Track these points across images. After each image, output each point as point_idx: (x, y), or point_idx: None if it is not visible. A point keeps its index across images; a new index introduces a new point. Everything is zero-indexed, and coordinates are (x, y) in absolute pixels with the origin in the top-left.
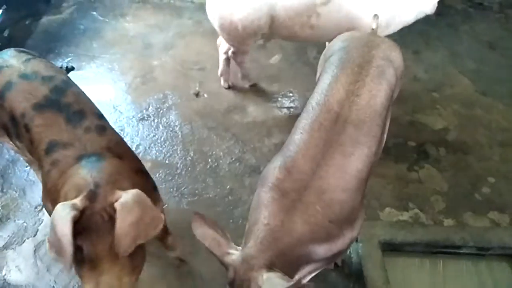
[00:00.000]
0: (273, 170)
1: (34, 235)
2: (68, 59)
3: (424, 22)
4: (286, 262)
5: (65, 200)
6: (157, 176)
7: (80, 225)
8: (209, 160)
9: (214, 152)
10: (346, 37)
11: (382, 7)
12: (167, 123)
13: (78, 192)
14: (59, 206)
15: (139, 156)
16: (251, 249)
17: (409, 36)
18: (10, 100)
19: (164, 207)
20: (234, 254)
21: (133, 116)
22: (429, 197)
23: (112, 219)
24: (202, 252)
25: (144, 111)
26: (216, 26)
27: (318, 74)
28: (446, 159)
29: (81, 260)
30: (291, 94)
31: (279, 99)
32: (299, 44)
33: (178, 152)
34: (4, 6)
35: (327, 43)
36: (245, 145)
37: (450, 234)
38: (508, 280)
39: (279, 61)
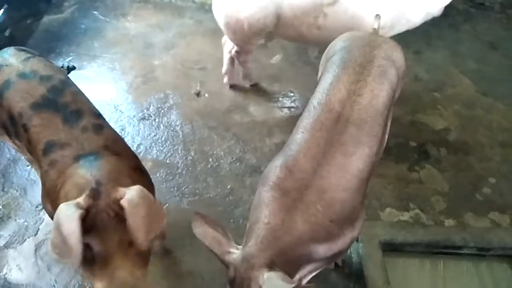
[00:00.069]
0: (275, 169)
1: (35, 234)
2: (69, 58)
3: (425, 22)
4: (286, 261)
5: (66, 200)
6: (158, 176)
7: (86, 224)
8: (210, 159)
9: (215, 152)
10: (347, 37)
11: (388, 8)
12: (168, 122)
13: (79, 191)
14: (63, 206)
15: (140, 156)
16: (252, 248)
17: (410, 36)
18: (8, 99)
19: (164, 206)
20: (235, 253)
21: (134, 116)
22: (430, 198)
23: (117, 215)
24: (203, 251)
25: (145, 110)
26: (221, 24)
27: (319, 74)
28: (447, 159)
29: (90, 259)
30: (292, 94)
31: (280, 99)
32: (300, 44)
33: (179, 151)
34: (5, 6)
35: None
36: (246, 145)
37: (450, 234)
38: (509, 281)
39: (280, 60)
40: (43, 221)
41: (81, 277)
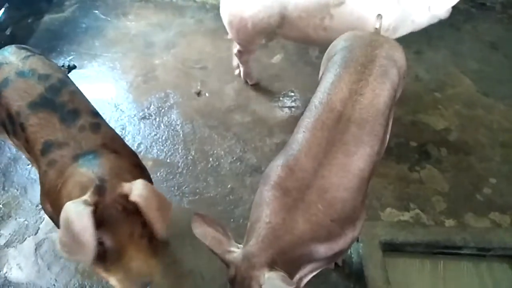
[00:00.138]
0: (276, 168)
1: (35, 233)
2: (70, 57)
3: None
4: (287, 261)
5: (69, 199)
6: (158, 175)
7: (95, 220)
8: (210, 159)
9: (215, 151)
10: (349, 36)
11: (393, 10)
12: (168, 122)
13: (82, 190)
14: (70, 204)
15: (141, 155)
16: (253, 247)
17: (411, 36)
18: (6, 98)
19: None
20: (235, 252)
21: (135, 115)
22: (430, 198)
23: (125, 209)
24: (203, 251)
25: (146, 110)
26: (225, 22)
27: (321, 73)
28: (448, 159)
29: (102, 254)
30: (292, 94)
31: (281, 98)
32: (300, 44)
33: (179, 151)
34: (6, 5)
35: None
36: (246, 145)
37: (451, 234)
38: (509, 281)
39: (281, 60)
40: (43, 220)
41: (81, 276)
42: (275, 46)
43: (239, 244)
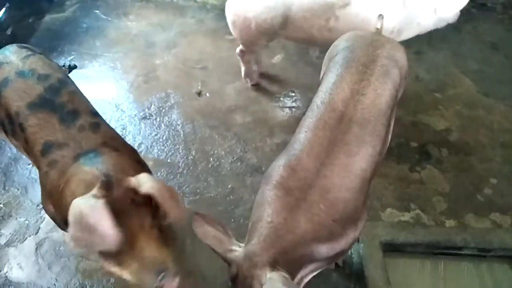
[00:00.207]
0: (278, 168)
1: (36, 233)
2: (71, 57)
3: None
4: (289, 260)
5: (74, 198)
6: (159, 175)
7: None
8: (211, 159)
9: (215, 151)
10: (350, 36)
11: (398, 12)
12: (169, 122)
13: (88, 187)
14: (79, 200)
15: (141, 155)
16: (255, 246)
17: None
18: (6, 98)
19: None
20: (237, 251)
21: (135, 115)
22: (431, 198)
23: (134, 202)
24: (203, 251)
25: (146, 110)
26: (229, 22)
27: (322, 73)
28: (448, 160)
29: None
30: (293, 94)
31: (281, 98)
32: (301, 44)
33: (180, 151)
34: (7, 4)
35: None
36: (247, 145)
37: (451, 235)
38: (509, 282)
39: (281, 60)
40: (44, 219)
41: (81, 276)
42: (276, 46)
43: (241, 243)
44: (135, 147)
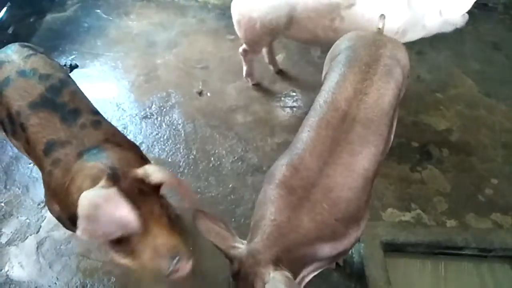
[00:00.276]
0: (280, 167)
1: (37, 232)
2: (72, 56)
3: None
4: (292, 259)
5: (80, 193)
6: None
7: None
8: (212, 158)
9: (216, 151)
10: (352, 36)
11: (403, 13)
12: (170, 121)
13: (94, 181)
14: (88, 193)
15: None
16: (258, 244)
17: None
18: (7, 97)
19: None
20: (240, 248)
21: (136, 114)
22: (432, 198)
23: (142, 191)
24: (204, 249)
25: (147, 109)
26: (234, 21)
27: (324, 73)
28: (449, 160)
29: (125, 238)
30: (294, 94)
31: (282, 98)
32: (302, 44)
33: (181, 150)
34: (9, 3)
35: None
36: (248, 144)
37: (452, 235)
38: (510, 282)
39: (283, 60)
40: (45, 218)
41: (82, 275)
42: (277, 46)
43: (243, 241)
44: None
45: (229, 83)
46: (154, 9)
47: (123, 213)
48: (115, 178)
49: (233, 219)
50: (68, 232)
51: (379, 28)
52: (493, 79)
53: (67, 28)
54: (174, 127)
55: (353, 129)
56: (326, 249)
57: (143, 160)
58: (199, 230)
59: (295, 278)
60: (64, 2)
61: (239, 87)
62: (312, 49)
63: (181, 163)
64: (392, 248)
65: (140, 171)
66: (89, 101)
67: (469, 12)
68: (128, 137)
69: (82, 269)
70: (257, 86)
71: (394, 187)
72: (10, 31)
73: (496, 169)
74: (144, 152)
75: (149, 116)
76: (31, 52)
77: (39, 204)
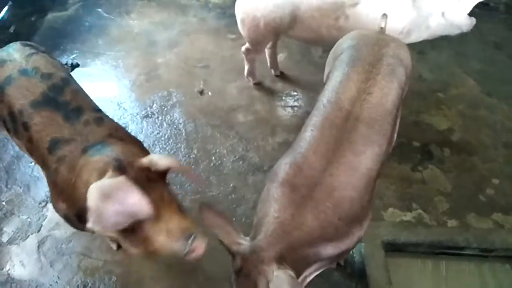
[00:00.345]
0: (284, 166)
1: (38, 231)
2: (73, 55)
3: None
4: (295, 258)
5: (88, 187)
6: None
7: None
8: (213, 158)
9: (217, 150)
10: (355, 35)
11: (408, 12)
12: (171, 120)
13: (100, 174)
14: (97, 184)
15: None
16: (261, 241)
17: None
18: (8, 96)
19: None
20: (243, 244)
21: (137, 113)
22: (433, 198)
23: (149, 179)
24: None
25: (148, 108)
26: (238, 20)
27: (326, 72)
28: (450, 159)
29: (137, 225)
30: (295, 93)
31: (283, 98)
32: (303, 43)
33: (182, 149)
34: (10, 2)
35: None
36: (249, 144)
37: (453, 235)
38: (511, 282)
39: (284, 59)
40: (46, 217)
41: (83, 274)
42: (279, 45)
43: (246, 237)
44: None
45: (230, 82)
46: (155, 8)
47: (134, 199)
48: (121, 169)
49: (234, 219)
50: (69, 231)
51: (381, 28)
52: (494, 78)
53: (68, 27)
54: (175, 126)
55: (356, 128)
56: (329, 249)
57: (147, 152)
58: (204, 222)
59: (297, 278)
60: (65, 1)
61: (240, 87)
62: (313, 49)
63: (182, 162)
64: (393, 248)
65: (145, 160)
66: (90, 100)
67: (470, 12)
68: None
69: (83, 268)
70: (258, 85)
71: (395, 187)
72: (11, 30)
73: (497, 169)
74: None
75: (150, 115)
76: (32, 51)
77: (40, 203)
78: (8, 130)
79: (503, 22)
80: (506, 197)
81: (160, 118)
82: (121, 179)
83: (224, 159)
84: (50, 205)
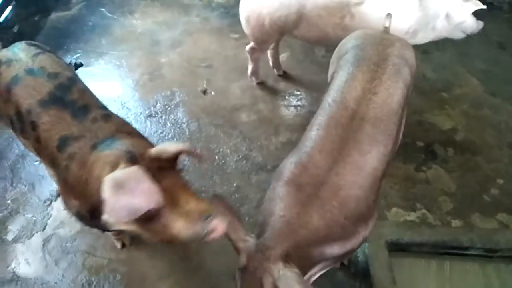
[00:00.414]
0: (289, 165)
1: (43, 229)
2: (77, 55)
3: None
4: (301, 257)
5: (100, 181)
6: None
7: None
8: (216, 157)
9: (221, 150)
10: (359, 35)
11: (414, 12)
12: (174, 120)
13: (112, 167)
14: (110, 175)
15: None
16: (267, 239)
17: None
18: (16, 95)
19: None
20: (249, 241)
21: (141, 113)
22: (437, 198)
23: (161, 167)
24: (209, 247)
25: (152, 108)
26: (242, 18)
27: (330, 71)
28: (454, 159)
29: (155, 214)
30: (298, 93)
31: (286, 97)
32: (306, 43)
33: None
34: (13, 2)
35: None
36: (252, 143)
37: (457, 235)
38: None
39: (287, 59)
40: (51, 216)
41: (88, 272)
42: (281, 45)
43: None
44: None
45: (233, 81)
46: (158, 8)
47: (146, 186)
48: (134, 160)
49: None
50: (74, 230)
51: (385, 27)
52: (498, 78)
53: (71, 27)
54: (178, 125)
55: (362, 128)
56: (335, 248)
57: (152, 147)
58: (216, 211)
59: (303, 277)
60: (69, 0)
61: (243, 86)
62: (316, 48)
63: (185, 162)
64: (397, 248)
65: (154, 150)
66: (96, 98)
67: (474, 11)
68: None
69: (88, 267)
70: (262, 85)
71: (399, 187)
72: (15, 29)
73: (501, 168)
74: None
75: (153, 115)
76: (38, 50)
77: (45, 202)
78: (14, 129)
79: (507, 22)
80: (511, 197)
81: (163, 117)
82: (135, 168)
83: (228, 158)
84: (55, 204)
